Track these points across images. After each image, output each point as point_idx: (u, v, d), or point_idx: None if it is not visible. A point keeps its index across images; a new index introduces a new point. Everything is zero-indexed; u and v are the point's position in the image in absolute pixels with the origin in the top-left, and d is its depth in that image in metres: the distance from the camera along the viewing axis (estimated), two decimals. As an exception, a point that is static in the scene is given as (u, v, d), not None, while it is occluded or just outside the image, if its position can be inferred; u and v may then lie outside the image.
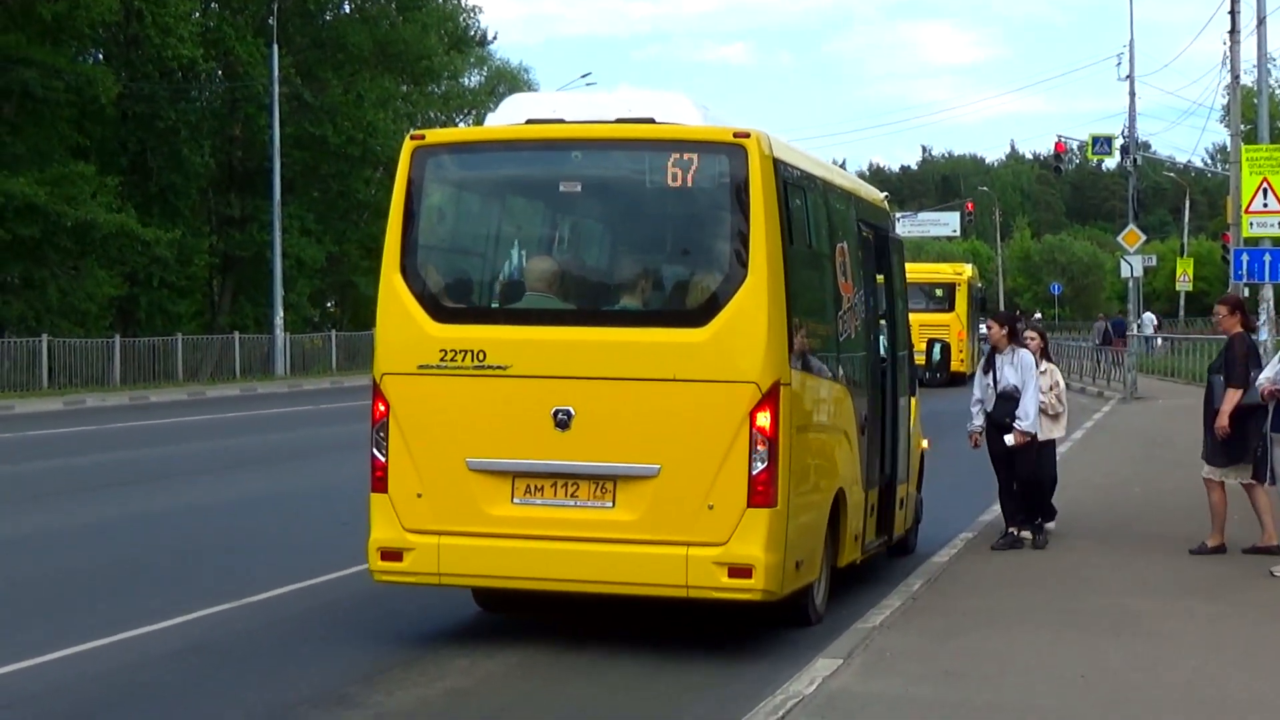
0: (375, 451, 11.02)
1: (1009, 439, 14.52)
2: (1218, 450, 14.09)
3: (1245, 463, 14.03)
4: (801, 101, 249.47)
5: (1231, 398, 13.78)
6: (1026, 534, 14.90)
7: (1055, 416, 15.38)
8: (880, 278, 14.10)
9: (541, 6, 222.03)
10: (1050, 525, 15.30)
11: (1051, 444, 15.48)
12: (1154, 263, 66.72)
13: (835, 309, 12.13)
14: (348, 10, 61.02)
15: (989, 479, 15.38)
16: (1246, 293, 42.44)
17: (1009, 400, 14.53)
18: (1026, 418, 14.52)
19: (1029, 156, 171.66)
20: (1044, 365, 15.37)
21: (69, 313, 46.27)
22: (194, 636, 11.58)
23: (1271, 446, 13.20)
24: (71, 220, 44.29)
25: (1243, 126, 42.56)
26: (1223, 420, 13.80)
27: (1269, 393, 13.16)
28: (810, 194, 11.84)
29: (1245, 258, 34.19)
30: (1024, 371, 14.62)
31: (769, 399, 10.43)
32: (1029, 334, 15.35)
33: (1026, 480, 14.79)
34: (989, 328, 15.10)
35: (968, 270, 52.46)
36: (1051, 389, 15.25)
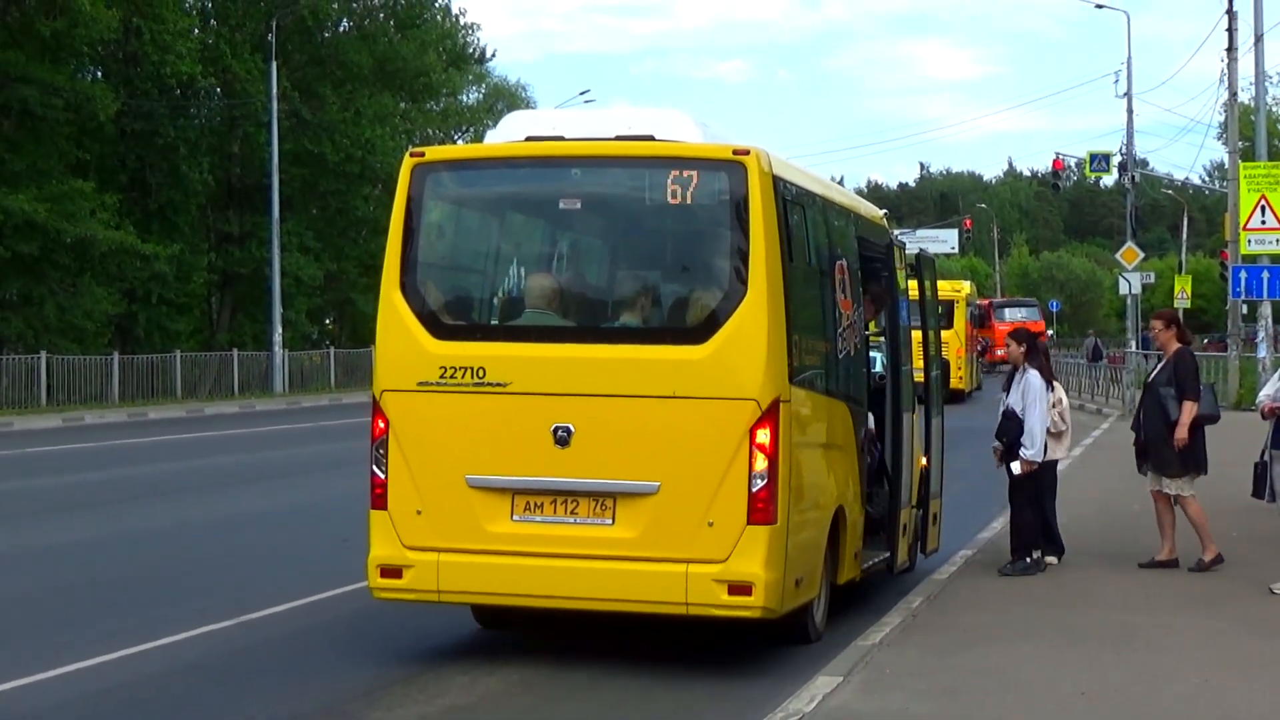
0: (375, 468, 11.01)
1: (1015, 467, 14.34)
2: (1174, 460, 14.21)
3: (1198, 474, 14.35)
4: (800, 118, 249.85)
5: (1190, 410, 14.02)
6: (1045, 556, 14.84)
7: (1057, 435, 15.08)
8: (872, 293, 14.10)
9: (540, 23, 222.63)
10: (1052, 559, 14.84)
11: (1053, 464, 15.29)
12: (1152, 280, 66.74)
13: (835, 326, 12.13)
14: (346, 27, 61.05)
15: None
16: (1245, 310, 42.60)
17: (1009, 420, 14.41)
18: (1031, 445, 14.25)
19: (1027, 173, 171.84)
20: (1055, 389, 15.04)
21: (67, 330, 46.25)
22: (193, 654, 11.56)
23: (1272, 464, 13.21)
24: (71, 237, 44.31)
25: (1240, 143, 42.70)
26: (1182, 433, 14.04)
27: (1269, 410, 13.17)
28: (809, 211, 11.84)
29: (1243, 275, 34.29)
30: (1025, 394, 14.30)
31: (769, 416, 10.43)
32: None
33: (1015, 505, 14.69)
34: (1007, 346, 14.94)
35: (966, 287, 52.52)
36: (1054, 406, 14.99)
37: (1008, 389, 14.62)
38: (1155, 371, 14.64)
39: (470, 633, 12.19)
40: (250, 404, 47.32)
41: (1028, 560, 14.43)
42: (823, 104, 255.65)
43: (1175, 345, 14.38)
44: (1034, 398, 14.29)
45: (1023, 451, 14.25)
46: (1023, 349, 14.57)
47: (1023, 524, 14.53)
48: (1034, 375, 14.39)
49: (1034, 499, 14.59)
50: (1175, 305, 65.55)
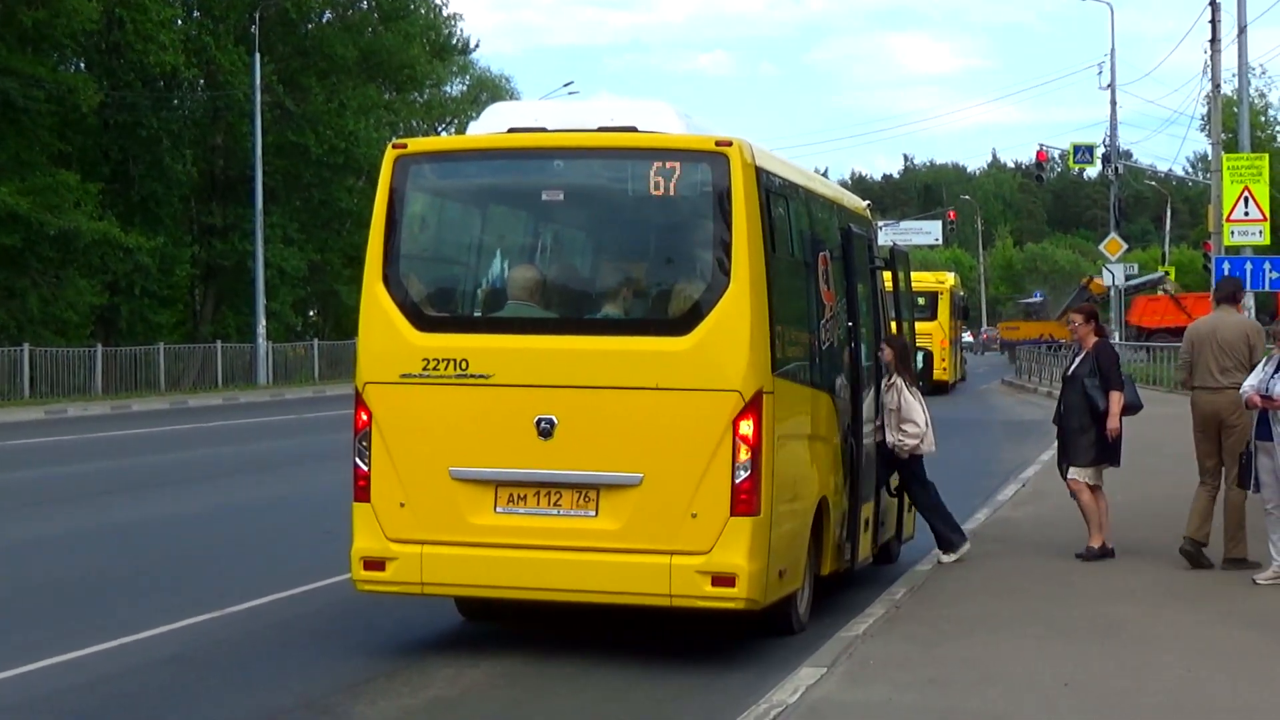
0: (358, 461, 10.99)
1: None
2: (1090, 450, 14.39)
3: (1110, 464, 14.56)
4: (783, 110, 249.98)
5: (1118, 400, 14.30)
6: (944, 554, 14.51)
7: (909, 435, 14.10)
8: (862, 288, 14.09)
9: (522, 16, 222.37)
10: (948, 557, 14.28)
11: (916, 461, 14.36)
12: (1136, 271, 66.88)
13: (818, 317, 12.12)
14: (330, 18, 60.94)
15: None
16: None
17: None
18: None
19: (1010, 165, 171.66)
20: (893, 379, 14.14)
21: (50, 322, 46.17)
22: (176, 646, 11.54)
23: (1256, 455, 13.24)
24: (54, 229, 44.21)
25: (1223, 135, 42.70)
26: (1114, 423, 14.28)
27: (1254, 401, 13.18)
28: (793, 202, 11.84)
29: (1227, 266, 34.25)
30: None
31: (752, 407, 10.42)
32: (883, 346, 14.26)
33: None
34: (880, 349, 14.22)
35: (950, 279, 52.61)
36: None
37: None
38: (1075, 365, 14.77)
39: (454, 625, 12.18)
40: (234, 396, 47.25)
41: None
42: (805, 96, 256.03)
43: (1094, 339, 14.65)
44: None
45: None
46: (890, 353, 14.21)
47: None
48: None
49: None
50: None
